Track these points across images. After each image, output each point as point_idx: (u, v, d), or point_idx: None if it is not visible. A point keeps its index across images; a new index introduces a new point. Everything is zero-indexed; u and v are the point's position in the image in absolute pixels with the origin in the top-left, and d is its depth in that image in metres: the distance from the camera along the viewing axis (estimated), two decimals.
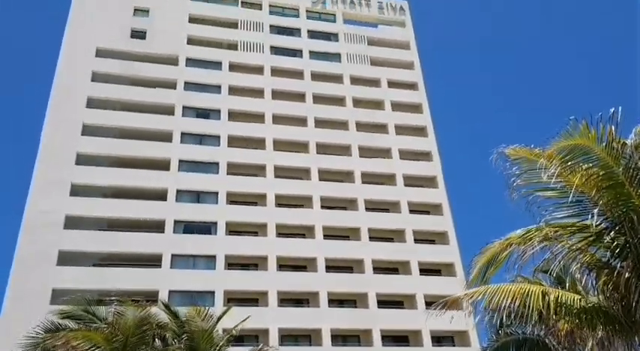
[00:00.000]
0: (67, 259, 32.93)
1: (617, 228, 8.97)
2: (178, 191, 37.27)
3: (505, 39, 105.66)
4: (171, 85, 41.64)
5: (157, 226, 35.54)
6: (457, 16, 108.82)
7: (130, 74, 41.10)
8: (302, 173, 40.74)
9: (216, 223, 36.56)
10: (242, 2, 47.99)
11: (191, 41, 44.34)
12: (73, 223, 34.19)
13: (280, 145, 41.31)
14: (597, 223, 8.93)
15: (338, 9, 50.33)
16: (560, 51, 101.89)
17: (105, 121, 38.45)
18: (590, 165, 9.10)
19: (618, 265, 9.05)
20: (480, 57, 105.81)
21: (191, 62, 43.29)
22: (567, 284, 12.24)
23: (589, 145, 9.09)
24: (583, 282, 10.10)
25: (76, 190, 35.38)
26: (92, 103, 38.94)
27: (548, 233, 9.22)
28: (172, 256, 34.69)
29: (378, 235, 39.40)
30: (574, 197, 9.13)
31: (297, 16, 48.99)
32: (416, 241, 39.60)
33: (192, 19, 45.60)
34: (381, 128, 44.70)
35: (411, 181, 42.47)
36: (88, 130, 37.79)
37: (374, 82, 47.23)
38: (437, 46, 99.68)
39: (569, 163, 9.12)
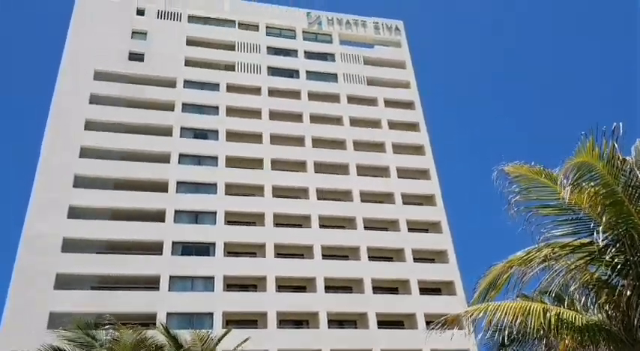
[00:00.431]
0: (64, 281, 32.68)
1: (617, 246, 8.95)
2: (176, 212, 37.17)
3: (503, 55, 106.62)
4: (169, 107, 41.82)
5: (155, 248, 35.37)
6: (453, 33, 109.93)
7: (128, 96, 41.29)
8: (300, 193, 40.74)
9: (214, 244, 36.41)
10: (239, 24, 48.47)
11: (189, 63, 44.66)
12: (70, 245, 34.01)
13: (278, 165, 41.38)
14: (599, 240, 8.90)
15: (334, 30, 50.86)
16: (559, 60, 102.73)
17: (103, 143, 38.50)
18: (592, 183, 9.11)
19: (619, 283, 9.03)
20: (478, 75, 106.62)
21: (189, 84, 43.55)
22: (566, 303, 12.20)
23: (593, 162, 9.09)
24: (582, 301, 10.05)
25: (74, 213, 35.27)
26: (90, 126, 39.02)
27: (547, 254, 9.21)
28: (170, 277, 34.46)
29: (377, 255, 39.26)
30: (574, 215, 9.15)
31: (294, 37, 49.48)
32: (415, 259, 39.46)
33: (190, 42, 45.98)
34: (379, 147, 44.86)
35: (410, 200, 42.48)
36: (85, 153, 37.80)
37: (371, 102, 47.52)
38: (433, 63, 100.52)
39: (576, 181, 9.09)
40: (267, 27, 49.10)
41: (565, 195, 8.85)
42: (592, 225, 9.19)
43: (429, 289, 38.77)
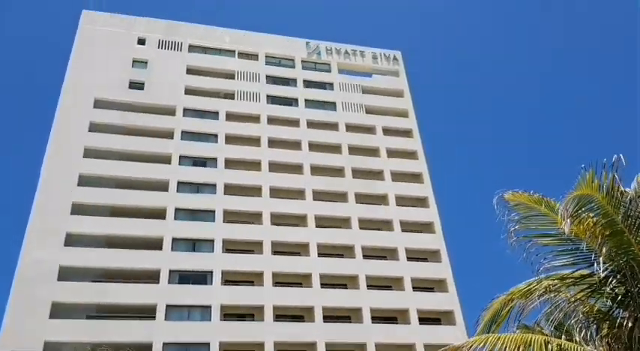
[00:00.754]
0: (60, 310, 32.30)
1: (617, 277, 8.92)
2: (174, 240, 37.00)
3: (502, 83, 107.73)
4: (169, 135, 42.02)
5: (152, 276, 35.08)
6: (451, 61, 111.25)
7: (128, 124, 41.51)
8: (299, 220, 40.63)
9: (212, 272, 36.14)
10: (239, 53, 49.07)
11: (189, 92, 45.05)
12: (67, 273, 33.73)
13: (277, 193, 41.37)
14: (599, 271, 8.88)
15: (333, 59, 51.48)
16: (561, 87, 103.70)
17: (101, 171, 38.54)
18: (592, 214, 9.14)
19: (620, 315, 8.96)
20: (476, 103, 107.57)
21: (188, 112, 43.85)
22: (563, 336, 12.09)
23: (592, 194, 9.13)
24: (583, 333, 9.97)
25: (71, 240, 35.08)
26: (89, 153, 39.11)
27: (548, 286, 9.18)
28: (167, 306, 34.09)
29: (376, 283, 38.97)
30: (574, 245, 9.14)
31: (293, 66, 50.04)
32: (414, 288, 39.14)
33: (190, 71, 46.47)
34: (377, 175, 44.96)
35: (408, 227, 42.39)
36: (84, 180, 37.80)
37: (369, 130, 47.82)
38: (431, 91, 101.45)
39: (575, 212, 9.12)
40: (266, 56, 49.71)
41: (565, 228, 8.86)
42: (592, 256, 9.17)
43: (429, 318, 38.37)
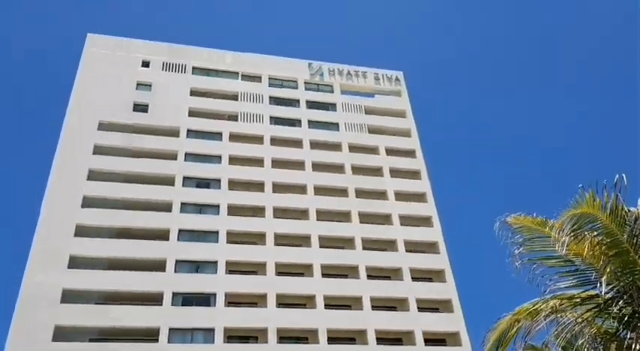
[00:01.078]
0: (63, 333, 32.06)
1: (624, 297, 8.83)
2: (177, 262, 36.87)
3: (503, 103, 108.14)
4: (172, 157, 42.18)
5: (156, 299, 34.89)
6: (453, 82, 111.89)
7: (132, 146, 41.73)
8: (302, 241, 40.51)
9: (215, 294, 35.94)
10: (242, 75, 49.49)
11: (192, 113, 45.33)
12: (70, 296, 33.59)
13: (280, 213, 41.32)
14: (605, 292, 8.81)
15: (335, 80, 51.84)
16: (562, 107, 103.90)
17: (105, 192, 38.62)
18: (596, 233, 9.09)
19: (627, 335, 8.86)
20: (479, 122, 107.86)
21: (192, 133, 44.08)
22: None
23: (595, 213, 9.10)
24: None
25: (75, 263, 35.01)
26: (93, 176, 39.25)
27: (554, 306, 9.10)
28: (170, 329, 33.82)
29: (381, 304, 38.65)
30: (579, 266, 9.08)
31: (296, 87, 50.40)
32: (419, 309, 38.80)
33: (194, 92, 46.85)
34: (381, 194, 44.92)
35: (413, 247, 42.19)
36: (88, 202, 37.88)
37: (372, 150, 47.92)
38: (434, 111, 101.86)
39: (576, 231, 9.10)
40: (269, 78, 50.10)
41: (561, 247, 8.84)
42: (595, 276, 9.10)
43: (434, 339, 37.92)
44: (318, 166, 45.10)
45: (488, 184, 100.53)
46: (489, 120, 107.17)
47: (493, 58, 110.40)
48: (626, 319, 8.86)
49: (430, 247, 42.86)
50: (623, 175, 8.83)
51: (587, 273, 9.22)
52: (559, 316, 9.36)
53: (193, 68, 48.41)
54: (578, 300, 9.44)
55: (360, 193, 44.33)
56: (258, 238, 39.64)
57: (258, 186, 42.49)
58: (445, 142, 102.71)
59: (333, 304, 37.86)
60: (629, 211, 9.30)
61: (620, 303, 8.81)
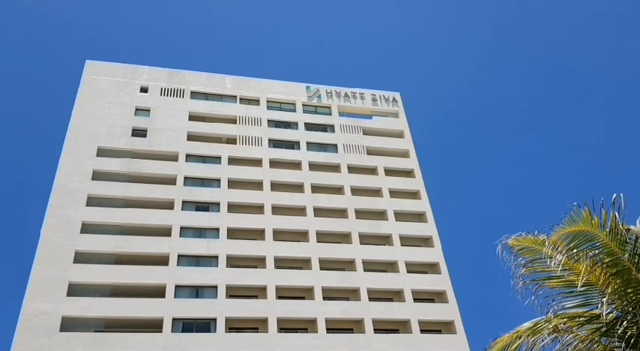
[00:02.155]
0: None
1: (628, 317, 8.71)
2: (177, 287, 36.58)
3: (502, 120, 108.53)
4: (171, 181, 42.16)
5: (156, 326, 34.50)
6: (450, 102, 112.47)
7: (131, 172, 41.74)
8: (302, 263, 40.25)
9: (215, 320, 35.56)
10: (240, 99, 49.76)
11: (191, 138, 45.45)
12: (69, 324, 33.23)
13: (280, 236, 41.15)
14: (607, 312, 8.70)
15: (333, 102, 52.10)
16: (556, 126, 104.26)
17: (104, 218, 38.50)
18: (596, 252, 9.01)
19: None
20: (477, 139, 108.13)
21: (191, 158, 44.13)
22: None
23: (593, 231, 9.03)
24: None
25: (74, 290, 34.72)
26: (92, 201, 39.18)
27: (557, 325, 8.98)
28: None
29: (383, 327, 38.24)
30: (581, 286, 8.97)
31: (294, 110, 50.62)
32: (422, 331, 38.38)
33: (192, 117, 47.04)
34: (381, 215, 44.79)
35: (414, 268, 41.92)
36: (87, 228, 37.74)
37: (371, 171, 47.95)
38: (433, 130, 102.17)
39: (574, 250, 9.03)
40: (267, 101, 50.35)
41: (557, 265, 8.77)
42: (597, 295, 8.99)
43: None
44: (317, 188, 45.08)
45: (488, 201, 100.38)
46: (488, 136, 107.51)
47: (491, 75, 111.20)
48: (632, 340, 8.72)
49: (431, 268, 42.60)
50: (622, 195, 8.80)
51: (591, 291, 9.11)
52: (562, 335, 9.22)
53: (192, 93, 48.69)
54: (581, 319, 9.31)
55: (360, 214, 44.21)
56: (258, 262, 39.39)
57: (258, 209, 42.39)
58: (444, 161, 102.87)
59: (336, 327, 37.46)
60: (629, 229, 9.23)
61: (624, 323, 8.68)
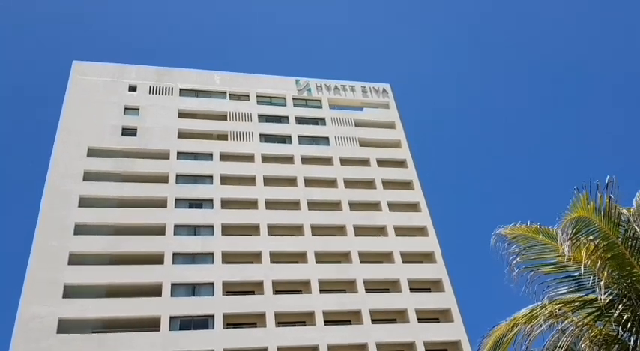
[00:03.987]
0: None
1: (623, 300, 8.78)
2: (173, 285, 36.52)
3: (495, 112, 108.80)
4: (163, 179, 41.98)
5: (153, 324, 34.46)
6: (442, 93, 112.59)
7: (122, 171, 41.53)
8: (298, 257, 40.29)
9: (212, 316, 35.58)
10: (230, 95, 49.53)
11: (182, 135, 45.23)
12: (66, 326, 33.13)
13: (275, 230, 41.14)
14: (603, 297, 8.74)
15: (323, 95, 51.98)
16: (550, 116, 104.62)
17: (97, 219, 38.34)
18: (592, 237, 9.02)
19: (628, 338, 8.80)
20: (469, 131, 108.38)
21: (182, 155, 43.94)
22: None
23: (589, 216, 9.03)
24: None
25: (69, 291, 34.61)
26: (84, 202, 38.96)
27: (553, 310, 9.02)
28: None
29: (381, 317, 38.41)
30: (576, 271, 9.03)
31: (284, 104, 50.45)
32: (419, 320, 38.58)
33: (182, 114, 46.78)
34: (375, 206, 44.84)
35: (409, 258, 42.06)
36: (80, 230, 37.55)
37: (364, 162, 47.96)
38: (424, 121, 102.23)
39: (574, 236, 8.99)
40: (257, 96, 50.15)
41: (566, 250, 8.75)
42: (592, 280, 9.03)
43: (435, 350, 37.67)
44: (310, 182, 45.02)
45: (482, 189, 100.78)
46: (480, 128, 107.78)
47: (482, 66, 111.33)
48: (628, 323, 8.78)
49: (426, 257, 42.75)
50: (614, 177, 8.80)
51: (585, 278, 9.15)
52: (558, 320, 9.25)
53: (181, 90, 48.43)
54: (576, 304, 9.36)
55: (354, 206, 44.24)
56: (254, 257, 39.39)
57: (251, 204, 42.32)
58: (436, 151, 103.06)
59: (333, 319, 37.58)
60: (622, 212, 9.24)
61: (619, 307, 8.74)
